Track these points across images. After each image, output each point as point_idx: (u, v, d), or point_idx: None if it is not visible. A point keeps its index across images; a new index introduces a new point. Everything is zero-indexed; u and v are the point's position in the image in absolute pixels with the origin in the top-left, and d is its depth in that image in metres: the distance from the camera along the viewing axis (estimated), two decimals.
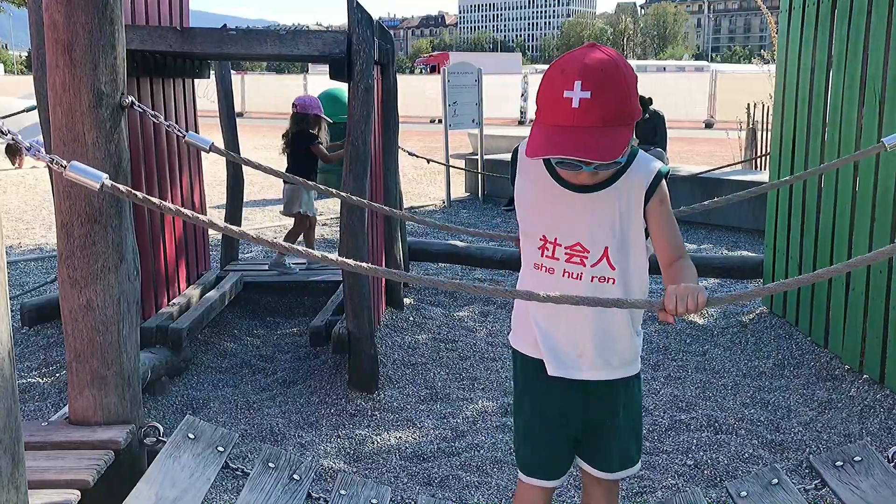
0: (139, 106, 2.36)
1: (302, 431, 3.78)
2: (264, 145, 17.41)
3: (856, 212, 4.29)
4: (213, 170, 9.79)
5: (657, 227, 1.91)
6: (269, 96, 27.61)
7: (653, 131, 9.51)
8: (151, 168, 4.51)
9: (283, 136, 6.23)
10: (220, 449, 2.27)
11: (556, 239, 1.91)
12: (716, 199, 3.50)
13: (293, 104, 6.09)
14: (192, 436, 2.27)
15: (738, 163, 8.92)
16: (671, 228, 1.94)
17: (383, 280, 5.40)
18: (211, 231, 6.44)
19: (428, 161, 7.62)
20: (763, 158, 9.52)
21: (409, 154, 7.00)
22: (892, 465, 2.34)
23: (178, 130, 2.49)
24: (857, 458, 2.36)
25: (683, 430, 3.76)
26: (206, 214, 5.59)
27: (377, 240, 5.15)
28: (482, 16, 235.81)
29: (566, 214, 1.90)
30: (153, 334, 4.29)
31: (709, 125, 21.46)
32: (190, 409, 4.05)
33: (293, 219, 6.28)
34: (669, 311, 1.75)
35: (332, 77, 3.90)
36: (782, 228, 5.22)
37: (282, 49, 3.87)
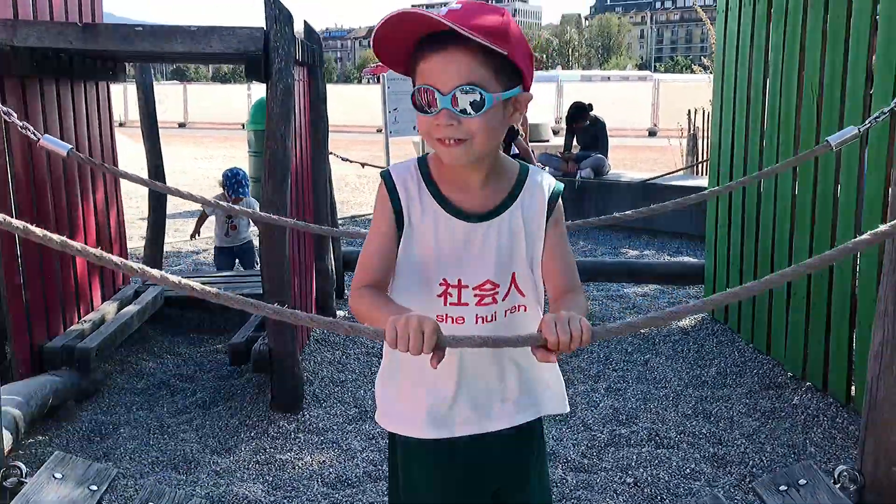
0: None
1: (218, 457, 3.51)
2: (205, 156, 16.98)
3: (796, 216, 4.18)
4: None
5: (552, 249, 1.63)
6: (212, 106, 27.07)
7: (594, 138, 9.44)
8: (72, 177, 4.18)
9: None
10: (94, 488, 2.01)
11: (460, 281, 1.58)
12: (652, 206, 3.41)
13: None
14: (58, 475, 2.00)
15: (680, 170, 8.89)
16: (568, 252, 1.66)
17: (313, 290, 5.14)
18: (130, 232, 6.11)
19: (363, 165, 7.40)
20: (704, 164, 9.51)
21: (343, 160, 6.77)
22: (838, 486, 2.18)
23: (33, 133, 2.21)
24: (802, 482, 2.19)
25: (623, 444, 3.59)
26: (124, 230, 5.25)
27: (305, 252, 4.90)
28: None
29: (468, 250, 1.58)
30: (58, 355, 3.97)
31: (652, 133, 21.64)
32: (98, 435, 3.75)
33: None
34: (551, 343, 1.38)
35: (247, 76, 3.65)
36: (723, 234, 5.12)
37: (193, 46, 3.60)
